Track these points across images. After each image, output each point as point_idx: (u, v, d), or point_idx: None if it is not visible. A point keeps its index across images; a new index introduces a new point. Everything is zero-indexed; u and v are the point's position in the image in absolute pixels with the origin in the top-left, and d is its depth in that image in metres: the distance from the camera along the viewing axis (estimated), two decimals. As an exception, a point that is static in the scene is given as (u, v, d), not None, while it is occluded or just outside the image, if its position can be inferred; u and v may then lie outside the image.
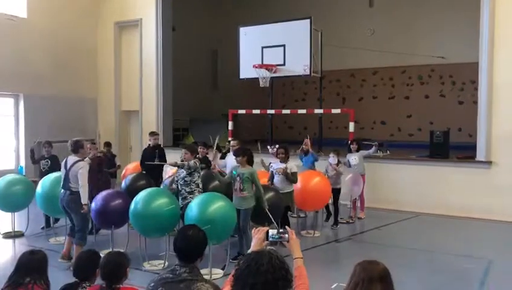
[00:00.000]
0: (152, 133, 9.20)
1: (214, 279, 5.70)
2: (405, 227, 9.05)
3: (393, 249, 7.43)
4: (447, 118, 14.84)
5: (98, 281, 3.19)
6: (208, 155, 8.16)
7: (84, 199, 6.26)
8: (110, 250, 5.63)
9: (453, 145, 10.98)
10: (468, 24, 12.74)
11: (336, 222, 8.69)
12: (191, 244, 2.75)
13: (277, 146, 8.35)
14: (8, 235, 7.95)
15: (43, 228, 8.16)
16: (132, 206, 6.25)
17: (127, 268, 3.13)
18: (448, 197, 9.76)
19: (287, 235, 2.61)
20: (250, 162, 6.64)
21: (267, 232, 2.62)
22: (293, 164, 7.70)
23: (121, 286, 3.09)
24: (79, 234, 6.33)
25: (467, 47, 13.00)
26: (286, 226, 2.76)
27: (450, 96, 15.80)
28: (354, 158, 9.29)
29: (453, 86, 15.80)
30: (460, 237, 8.41)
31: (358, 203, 9.45)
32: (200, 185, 6.63)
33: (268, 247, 2.56)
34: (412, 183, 10.23)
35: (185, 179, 6.52)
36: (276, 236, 2.59)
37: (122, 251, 5.86)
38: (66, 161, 6.46)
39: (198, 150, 7.82)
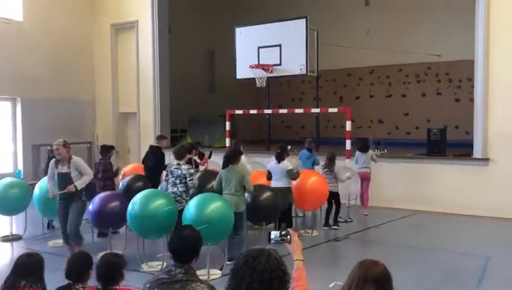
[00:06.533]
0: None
1: (212, 280, 5.71)
2: (403, 225, 9.06)
3: (391, 247, 7.43)
4: (444, 115, 14.86)
5: (92, 282, 3.20)
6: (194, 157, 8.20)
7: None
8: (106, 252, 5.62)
9: (450, 143, 11.01)
10: (464, 21, 12.74)
11: (336, 222, 8.68)
12: (186, 245, 2.76)
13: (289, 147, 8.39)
14: (6, 239, 7.95)
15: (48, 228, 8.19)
16: (130, 207, 6.25)
17: (124, 269, 3.13)
18: (446, 194, 9.78)
19: (289, 237, 2.63)
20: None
21: (269, 233, 2.65)
22: (287, 162, 7.71)
23: (118, 287, 3.10)
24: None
25: (463, 44, 13.00)
26: (289, 229, 2.78)
27: (446, 94, 15.85)
28: (361, 157, 9.67)
29: (449, 83, 15.84)
30: (458, 234, 8.43)
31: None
32: (184, 195, 6.56)
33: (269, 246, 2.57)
34: (409, 181, 10.25)
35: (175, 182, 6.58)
36: (279, 238, 2.62)
37: (119, 252, 5.88)
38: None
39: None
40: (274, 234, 2.66)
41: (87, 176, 6.30)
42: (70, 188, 6.16)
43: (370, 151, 9.86)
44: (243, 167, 6.98)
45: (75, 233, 6.29)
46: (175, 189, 6.58)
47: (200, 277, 5.64)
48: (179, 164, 6.65)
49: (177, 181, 6.58)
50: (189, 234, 2.81)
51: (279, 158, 7.66)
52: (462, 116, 13.51)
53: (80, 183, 6.22)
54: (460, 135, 13.57)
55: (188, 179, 6.59)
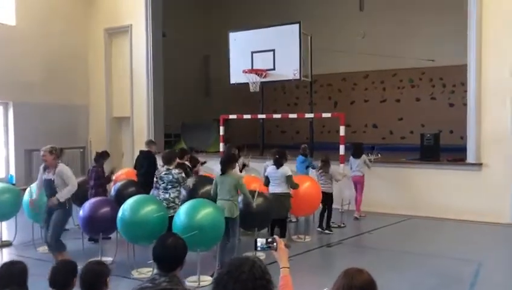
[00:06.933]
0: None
1: (202, 286, 5.67)
2: (396, 230, 9.03)
3: (385, 253, 7.41)
4: (438, 120, 14.89)
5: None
6: (186, 162, 8.13)
7: None
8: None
9: (445, 148, 11.00)
10: (458, 27, 12.77)
11: (329, 227, 8.66)
12: (169, 253, 2.73)
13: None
14: (-5, 245, 7.87)
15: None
16: (120, 213, 6.19)
17: (107, 278, 3.08)
18: (439, 199, 9.77)
19: (275, 244, 2.62)
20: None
21: (256, 241, 2.64)
22: (287, 168, 7.64)
23: (101, 296, 3.05)
24: None
25: (457, 49, 12.98)
26: (275, 236, 2.76)
27: (440, 99, 15.88)
28: (355, 161, 9.77)
29: (443, 88, 15.88)
30: (451, 239, 8.41)
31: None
32: (177, 201, 6.48)
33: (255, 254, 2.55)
34: (402, 186, 10.24)
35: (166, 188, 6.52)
36: (265, 245, 2.62)
37: (108, 259, 5.83)
38: None
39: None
40: (260, 241, 2.65)
41: (70, 187, 6.10)
42: (53, 201, 6.07)
43: (363, 156, 9.87)
44: (236, 172, 6.94)
45: (54, 242, 6.16)
46: (167, 195, 6.49)
47: (190, 284, 5.64)
48: (168, 169, 6.58)
49: (169, 187, 6.50)
50: (172, 242, 2.78)
51: (278, 164, 7.57)
52: (456, 121, 13.50)
53: (62, 196, 6.06)
54: (454, 139, 13.58)
55: (182, 183, 6.54)
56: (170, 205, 6.40)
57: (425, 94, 16.17)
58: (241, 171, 7.95)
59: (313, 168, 9.25)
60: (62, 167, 6.16)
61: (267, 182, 7.63)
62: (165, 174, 6.52)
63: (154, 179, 6.65)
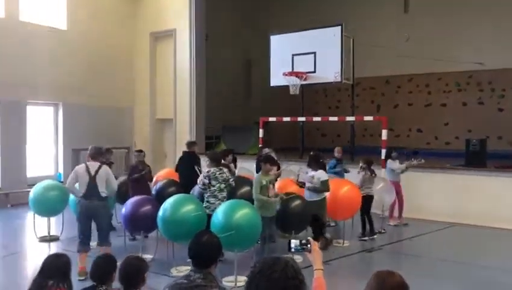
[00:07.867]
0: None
1: (239, 286, 5.71)
2: (438, 238, 8.79)
3: (424, 260, 7.22)
4: (486, 126, 14.36)
5: (115, 284, 3.26)
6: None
7: None
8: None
9: (493, 154, 10.61)
10: (508, 29, 12.31)
11: (372, 232, 8.47)
12: (204, 251, 2.77)
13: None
14: (43, 239, 8.22)
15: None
16: (160, 212, 6.34)
17: (145, 273, 3.16)
18: (485, 207, 9.40)
19: (309, 245, 2.61)
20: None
21: (289, 242, 2.64)
22: (322, 172, 7.59)
23: (139, 291, 3.13)
24: (108, 236, 6.51)
25: (507, 52, 12.56)
26: (309, 238, 2.76)
27: (489, 104, 15.30)
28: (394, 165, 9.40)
29: (492, 92, 15.29)
30: (496, 249, 8.10)
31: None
32: (220, 196, 6.50)
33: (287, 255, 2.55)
34: (446, 193, 9.93)
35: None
36: (299, 247, 2.61)
37: (148, 256, 5.97)
38: (87, 169, 6.27)
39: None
40: (294, 242, 2.64)
41: None
42: None
43: (388, 161, 9.53)
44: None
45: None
46: (224, 194, 6.55)
47: (227, 284, 5.69)
48: (220, 169, 6.66)
49: (223, 185, 6.56)
50: (207, 240, 2.82)
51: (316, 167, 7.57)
52: (506, 126, 13.02)
53: None
54: (504, 145, 13.08)
55: (231, 180, 6.65)
56: None
57: (472, 98, 15.63)
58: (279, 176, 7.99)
59: (336, 172, 9.07)
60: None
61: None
62: (220, 173, 6.57)
63: (202, 178, 6.63)
